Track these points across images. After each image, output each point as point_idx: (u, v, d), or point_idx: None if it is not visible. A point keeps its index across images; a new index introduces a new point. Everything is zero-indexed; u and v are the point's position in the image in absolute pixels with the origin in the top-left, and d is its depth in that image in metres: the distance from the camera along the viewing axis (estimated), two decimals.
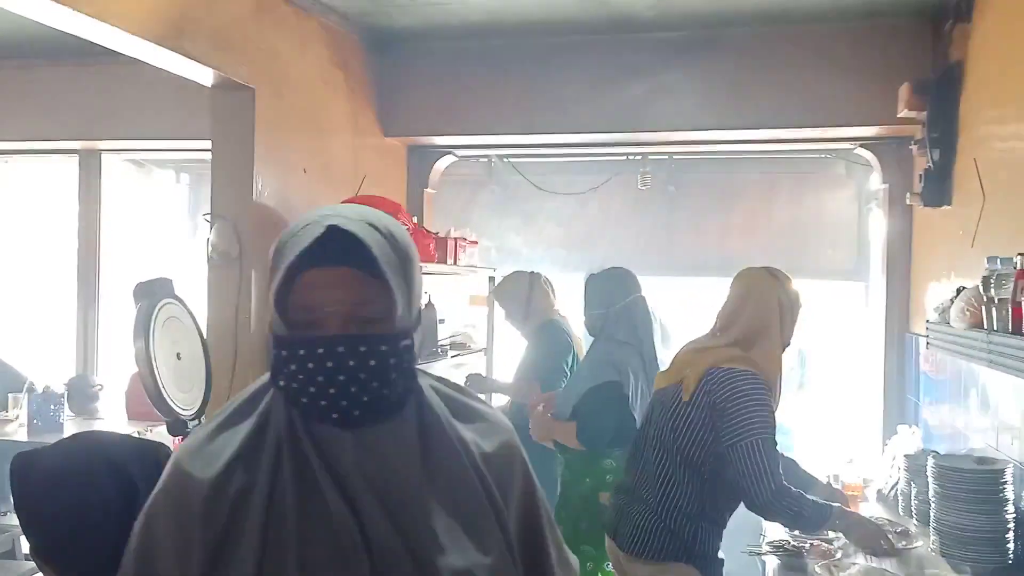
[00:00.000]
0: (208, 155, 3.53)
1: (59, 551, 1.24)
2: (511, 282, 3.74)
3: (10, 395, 4.36)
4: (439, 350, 3.87)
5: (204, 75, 3.23)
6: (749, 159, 5.42)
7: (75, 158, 5.17)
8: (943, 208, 3.46)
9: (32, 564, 3.72)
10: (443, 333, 4.05)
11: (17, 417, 4.27)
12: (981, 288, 2.33)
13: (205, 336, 3.13)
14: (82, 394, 4.57)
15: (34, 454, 1.31)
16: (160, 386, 2.81)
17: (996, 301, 2.20)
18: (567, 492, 3.22)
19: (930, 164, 3.44)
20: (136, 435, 2.11)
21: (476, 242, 4.37)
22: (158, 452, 1.34)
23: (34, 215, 6.25)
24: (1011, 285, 2.12)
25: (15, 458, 1.32)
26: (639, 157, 5.22)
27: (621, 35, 4.15)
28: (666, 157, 5.46)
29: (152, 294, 2.86)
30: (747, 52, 4.06)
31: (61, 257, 5.59)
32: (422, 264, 3.72)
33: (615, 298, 3.15)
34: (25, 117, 4.70)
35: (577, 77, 4.26)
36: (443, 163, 4.95)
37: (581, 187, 5.83)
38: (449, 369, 4.56)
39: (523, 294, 3.45)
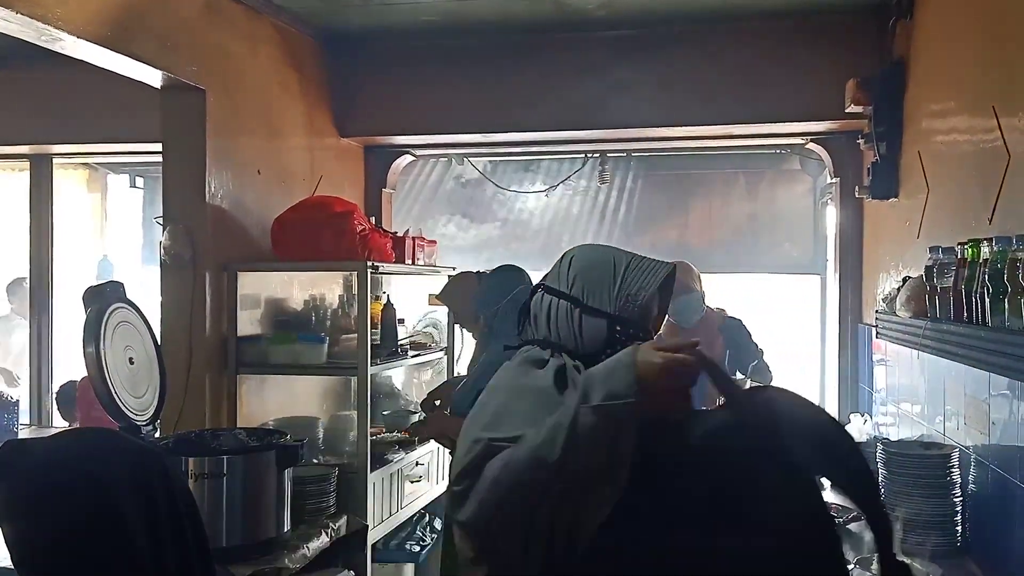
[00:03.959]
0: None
1: (35, 559, 1.19)
2: (457, 282, 3.72)
3: None
4: (399, 350, 3.86)
5: (153, 76, 3.19)
6: (706, 156, 5.48)
7: (25, 163, 5.08)
8: (890, 200, 3.53)
9: None
10: (402, 333, 4.04)
11: None
12: (924, 277, 2.38)
13: (159, 340, 3.10)
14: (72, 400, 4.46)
15: (22, 446, 1.25)
16: (112, 391, 2.78)
17: (939, 290, 2.25)
18: None
19: (877, 158, 3.51)
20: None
21: (435, 242, 4.37)
22: (161, 460, 1.29)
23: None
24: (953, 274, 2.17)
25: (2, 448, 1.27)
26: (597, 155, 5.27)
27: (573, 33, 4.18)
28: (624, 155, 5.51)
29: (102, 298, 2.83)
30: (697, 49, 4.11)
31: (13, 264, 5.49)
32: (381, 264, 3.70)
33: (501, 295, 3.19)
34: None
35: (532, 75, 4.28)
36: (401, 163, 4.95)
37: (541, 185, 5.86)
38: (410, 369, 4.56)
39: (470, 295, 3.43)
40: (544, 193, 5.84)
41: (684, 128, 4.34)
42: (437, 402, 3.53)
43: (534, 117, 4.33)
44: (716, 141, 4.70)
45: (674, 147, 4.99)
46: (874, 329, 3.18)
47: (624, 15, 3.97)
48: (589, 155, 5.28)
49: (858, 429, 3.60)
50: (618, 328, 1.48)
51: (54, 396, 4.68)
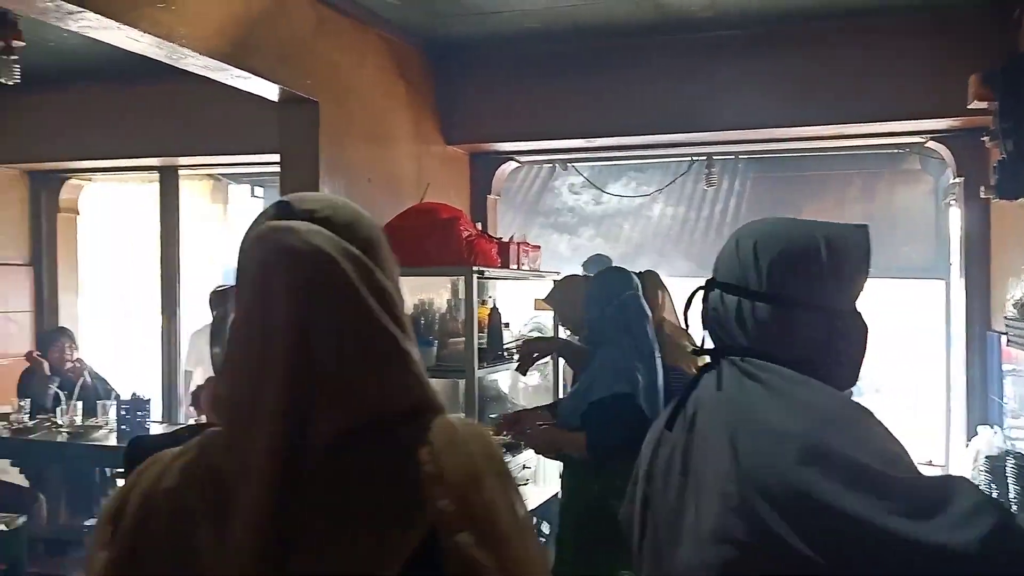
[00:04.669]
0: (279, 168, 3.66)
1: None
2: (563, 287, 3.71)
3: (99, 403, 4.58)
4: (504, 354, 3.90)
5: (270, 90, 3.34)
6: (819, 157, 5.32)
7: (155, 174, 5.39)
8: (1020, 200, 3.33)
9: None
10: (508, 337, 4.07)
11: (106, 424, 4.47)
12: None
13: None
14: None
15: (148, 440, 1.34)
16: None
17: None
18: (572, 500, 3.11)
19: (1004, 155, 3.31)
20: None
21: (539, 247, 4.39)
22: None
23: (119, 231, 6.54)
24: None
25: (131, 443, 1.35)
26: (704, 158, 5.19)
27: (677, 35, 4.13)
28: (732, 157, 5.41)
29: (226, 301, 2.98)
30: (807, 47, 3.99)
31: (145, 270, 5.84)
32: (486, 269, 3.71)
33: (608, 300, 3.13)
34: (107, 137, 4.92)
35: (636, 79, 4.25)
36: (506, 169, 5.00)
37: (646, 189, 5.82)
38: (516, 373, 4.59)
39: (577, 299, 3.41)
40: (649, 197, 5.80)
41: (795, 128, 4.22)
42: (535, 355, 3.47)
43: (639, 120, 4.30)
44: (829, 141, 4.55)
45: (785, 148, 4.86)
46: (1004, 336, 3.01)
47: (729, 15, 3.90)
48: (695, 158, 5.21)
49: (987, 442, 3.40)
50: (838, 323, 1.22)
51: (189, 396, 4.93)
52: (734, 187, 5.74)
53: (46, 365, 4.80)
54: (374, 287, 0.85)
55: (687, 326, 1.39)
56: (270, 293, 0.82)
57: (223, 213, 6.93)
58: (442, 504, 0.80)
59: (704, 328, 1.30)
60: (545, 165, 5.76)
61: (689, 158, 5.22)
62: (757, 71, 4.05)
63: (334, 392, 0.80)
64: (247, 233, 0.87)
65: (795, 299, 1.20)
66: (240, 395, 0.82)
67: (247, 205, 6.91)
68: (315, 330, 0.80)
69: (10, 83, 3.73)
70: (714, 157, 5.14)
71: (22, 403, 4.51)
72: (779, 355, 1.19)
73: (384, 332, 0.84)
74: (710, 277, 1.28)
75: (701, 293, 1.30)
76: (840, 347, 1.22)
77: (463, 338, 3.60)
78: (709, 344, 1.32)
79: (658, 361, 3.09)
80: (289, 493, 0.78)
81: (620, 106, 4.29)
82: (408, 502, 0.81)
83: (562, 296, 3.66)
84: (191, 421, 4.76)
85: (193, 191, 6.28)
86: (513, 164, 5.03)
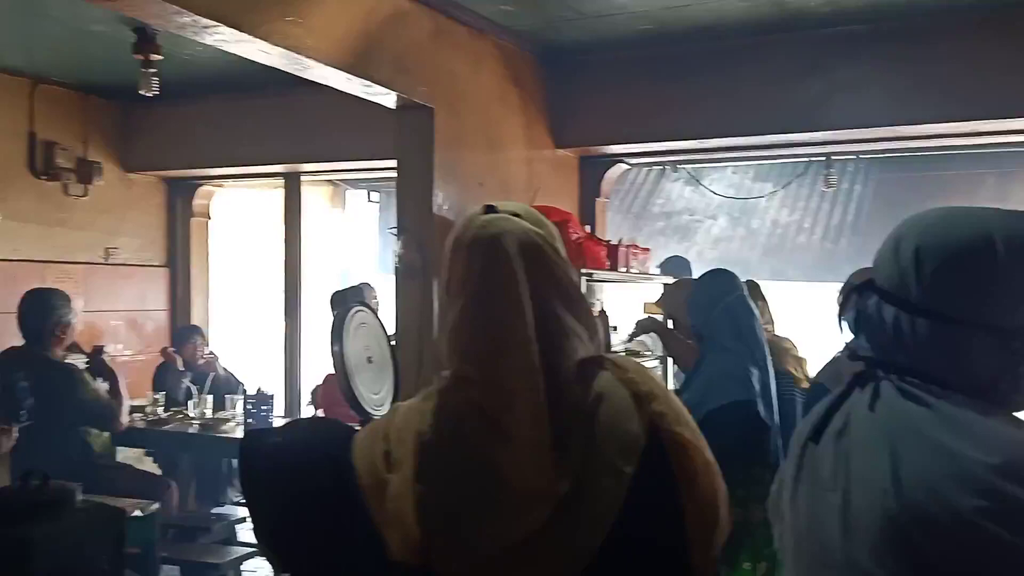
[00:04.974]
0: (395, 174, 3.77)
1: (274, 532, 1.25)
2: (674, 290, 3.66)
3: (227, 397, 4.82)
4: None
5: (388, 98, 3.46)
6: (946, 156, 5.07)
7: (280, 181, 5.64)
8: None
9: (247, 549, 4.09)
10: (615, 341, 4.06)
11: (233, 417, 4.71)
12: None
13: (393, 341, 3.34)
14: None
15: (263, 433, 1.41)
16: (353, 387, 3.03)
17: None
18: None
19: None
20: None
21: (648, 250, 4.36)
22: None
23: (247, 235, 6.88)
24: None
25: (246, 434, 1.42)
26: (822, 159, 5.03)
27: (795, 32, 4.02)
28: (853, 157, 5.23)
29: (345, 302, 3.10)
30: (936, 41, 3.82)
31: (270, 271, 6.11)
32: (595, 271, 3.71)
33: (714, 301, 3.05)
34: (237, 145, 5.19)
35: (751, 79, 4.17)
36: (615, 172, 4.98)
37: (760, 191, 5.69)
38: None
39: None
40: (764, 199, 5.67)
41: (923, 126, 4.04)
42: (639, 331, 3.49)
43: (753, 121, 4.21)
44: (959, 139, 4.33)
45: (910, 147, 4.65)
46: None
47: (849, 10, 3.77)
48: (812, 159, 5.06)
49: None
50: (1018, 343, 1.01)
51: (310, 394, 5.12)
52: (854, 188, 5.54)
53: (179, 360, 5.09)
54: (562, 259, 1.12)
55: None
56: (499, 261, 1.08)
57: (341, 217, 7.19)
58: (659, 408, 1.07)
59: (855, 333, 1.13)
60: (654, 168, 5.71)
61: (807, 159, 5.07)
62: (882, 68, 3.90)
63: (562, 330, 1.07)
64: (467, 225, 1.14)
65: (965, 316, 1.01)
66: (486, 340, 1.07)
67: (364, 210, 7.15)
68: (536, 285, 1.06)
69: (149, 95, 4.00)
70: (833, 157, 4.98)
71: (157, 396, 4.80)
72: (945, 377, 1.02)
73: (577, 288, 1.11)
74: (869, 278, 1.12)
75: (855, 298, 1.13)
76: (1022, 370, 1.03)
77: None
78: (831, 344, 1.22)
79: (770, 364, 3.03)
80: (554, 402, 1.02)
81: (734, 106, 4.21)
82: (634, 409, 1.06)
83: (673, 299, 3.62)
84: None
85: (314, 196, 6.53)
86: (623, 167, 5.01)
